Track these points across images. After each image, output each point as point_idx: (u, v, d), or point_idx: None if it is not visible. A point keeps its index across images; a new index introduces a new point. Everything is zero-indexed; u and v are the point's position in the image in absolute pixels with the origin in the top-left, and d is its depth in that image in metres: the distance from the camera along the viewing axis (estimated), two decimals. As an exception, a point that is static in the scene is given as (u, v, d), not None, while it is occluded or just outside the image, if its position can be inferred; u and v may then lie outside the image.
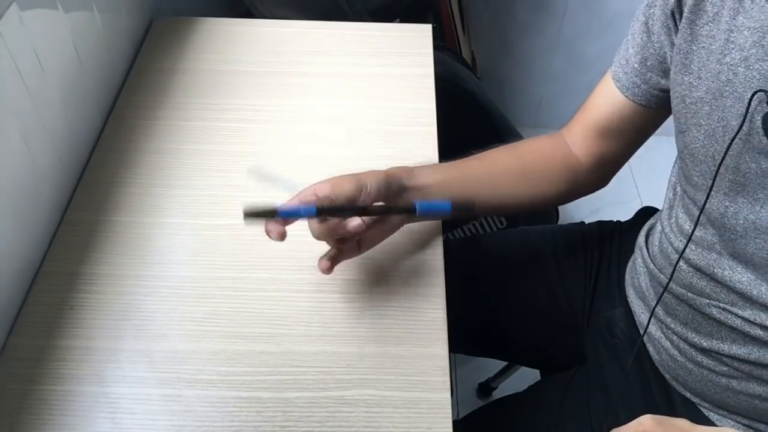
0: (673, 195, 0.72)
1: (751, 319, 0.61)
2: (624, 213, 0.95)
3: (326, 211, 0.59)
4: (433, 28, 1.02)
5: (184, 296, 0.68)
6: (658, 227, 0.75)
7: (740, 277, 0.61)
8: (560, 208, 1.40)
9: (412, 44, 0.99)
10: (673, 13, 0.61)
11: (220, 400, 0.61)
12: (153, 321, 0.66)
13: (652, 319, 0.73)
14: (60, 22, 0.73)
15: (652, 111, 0.69)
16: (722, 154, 0.56)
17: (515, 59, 1.82)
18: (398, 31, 1.02)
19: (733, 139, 0.55)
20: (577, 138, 0.75)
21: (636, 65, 0.67)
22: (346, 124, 0.87)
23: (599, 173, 0.77)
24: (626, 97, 0.69)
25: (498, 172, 0.74)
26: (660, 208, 0.83)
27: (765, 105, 0.52)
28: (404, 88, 0.93)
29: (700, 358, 0.67)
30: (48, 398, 0.61)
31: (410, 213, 0.62)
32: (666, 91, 0.66)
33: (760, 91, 0.52)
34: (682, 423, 0.57)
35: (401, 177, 0.66)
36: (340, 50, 0.98)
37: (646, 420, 0.56)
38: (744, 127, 0.54)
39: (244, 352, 0.64)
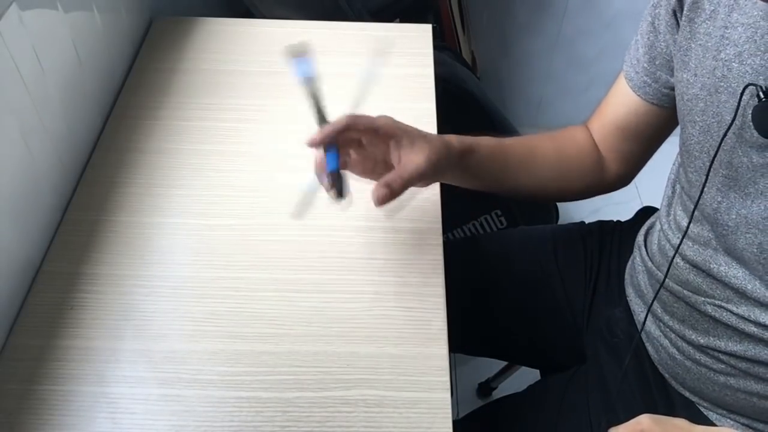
0: (672, 192, 0.72)
1: (746, 316, 0.61)
2: (624, 213, 0.95)
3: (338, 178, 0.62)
4: (433, 28, 1.02)
5: (184, 296, 0.68)
6: (657, 226, 0.75)
7: (735, 272, 0.61)
8: (560, 208, 1.40)
9: (412, 44, 0.99)
10: (675, 12, 0.61)
11: (220, 400, 0.61)
12: (153, 321, 0.66)
13: (651, 318, 0.73)
14: (60, 22, 0.73)
15: (664, 110, 0.70)
16: (716, 149, 0.56)
17: (515, 59, 1.82)
18: (398, 31, 1.02)
19: (725, 134, 0.55)
20: (597, 134, 0.77)
21: (645, 64, 0.68)
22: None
23: (621, 171, 0.78)
24: (638, 96, 0.70)
25: (537, 155, 0.75)
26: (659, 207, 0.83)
27: (756, 99, 0.52)
28: (404, 88, 0.93)
29: (698, 355, 0.67)
30: (48, 398, 0.61)
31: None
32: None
33: (750, 84, 0.52)
34: (681, 422, 0.57)
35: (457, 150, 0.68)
36: (340, 50, 0.98)
37: (644, 419, 0.57)
38: (736, 122, 0.54)
39: (244, 352, 0.64)
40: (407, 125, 0.64)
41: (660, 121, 0.71)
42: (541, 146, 0.76)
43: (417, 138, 0.63)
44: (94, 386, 0.62)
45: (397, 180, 0.61)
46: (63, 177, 0.76)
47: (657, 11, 0.64)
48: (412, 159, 0.62)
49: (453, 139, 0.68)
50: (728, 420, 0.69)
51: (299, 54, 0.65)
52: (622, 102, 0.72)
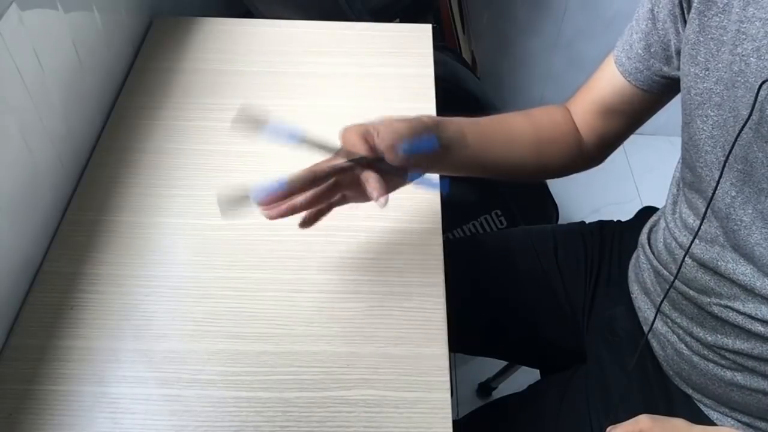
0: (677, 190, 0.72)
1: (752, 315, 0.61)
2: (624, 213, 0.95)
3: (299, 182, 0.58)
4: (433, 28, 1.02)
5: (185, 296, 0.68)
6: (662, 224, 0.75)
7: (743, 269, 0.61)
8: (560, 208, 1.40)
9: (412, 44, 0.99)
10: (681, 4, 0.61)
11: (220, 400, 0.61)
12: (153, 321, 0.66)
13: (659, 315, 0.73)
14: (60, 22, 0.73)
15: (654, 95, 0.70)
16: (731, 144, 0.56)
17: (515, 59, 1.82)
18: (398, 31, 1.02)
19: (741, 129, 0.55)
20: (578, 114, 0.77)
21: (640, 51, 0.68)
22: (346, 124, 0.87)
23: (597, 151, 0.78)
24: (629, 81, 0.70)
25: (514, 134, 0.75)
26: (660, 207, 0.83)
27: None
28: (404, 88, 0.93)
29: (705, 352, 0.67)
30: (48, 398, 0.61)
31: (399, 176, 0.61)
32: (668, 78, 0.67)
33: None
34: (679, 422, 0.57)
35: (428, 125, 0.65)
36: (340, 50, 0.98)
37: (643, 419, 0.57)
38: (754, 117, 0.54)
39: (244, 352, 0.64)
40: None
41: (645, 104, 0.72)
42: (518, 123, 0.76)
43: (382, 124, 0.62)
44: (94, 386, 0.62)
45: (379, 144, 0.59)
46: (63, 177, 0.76)
47: None
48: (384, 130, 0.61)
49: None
50: (729, 419, 0.69)
51: (261, 122, 0.59)
52: (609, 84, 0.72)
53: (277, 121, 0.58)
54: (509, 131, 0.75)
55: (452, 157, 0.68)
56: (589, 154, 0.78)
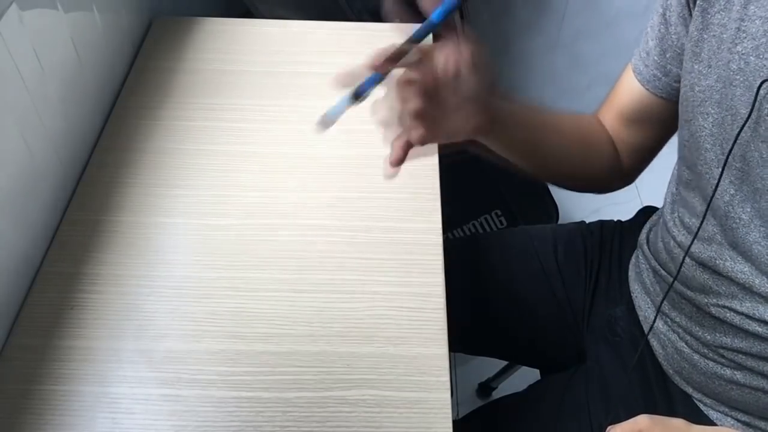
0: (676, 189, 0.72)
1: (750, 314, 0.61)
2: (624, 213, 0.95)
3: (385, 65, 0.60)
4: (434, 28, 1.02)
5: (185, 296, 0.68)
6: (661, 223, 0.75)
7: (741, 267, 0.61)
8: (560, 207, 1.41)
9: (412, 44, 0.99)
10: (688, 3, 0.61)
11: (220, 400, 0.61)
12: (154, 321, 0.66)
13: (659, 315, 0.73)
14: (60, 22, 0.73)
15: (673, 103, 0.69)
16: (731, 143, 0.56)
17: (515, 59, 1.82)
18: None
19: (741, 128, 0.55)
20: (606, 125, 0.76)
21: (656, 57, 0.67)
22: (346, 124, 0.87)
23: (630, 164, 0.77)
24: (647, 90, 0.69)
25: (564, 127, 0.74)
26: (660, 207, 0.83)
27: None
28: (404, 88, 0.92)
29: (705, 350, 0.67)
30: (48, 398, 0.61)
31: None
32: None
33: (767, 80, 0.52)
34: (679, 422, 0.57)
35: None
36: (340, 50, 0.98)
37: (642, 419, 0.57)
38: (753, 116, 0.54)
39: (244, 352, 0.64)
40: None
41: (668, 113, 0.70)
42: (562, 117, 0.75)
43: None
44: (94, 386, 0.62)
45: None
46: (63, 177, 0.76)
47: (668, 2, 0.64)
48: None
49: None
50: (728, 419, 0.69)
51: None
52: (629, 93, 0.72)
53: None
54: (559, 123, 0.74)
55: (511, 131, 0.67)
56: (622, 168, 0.77)
